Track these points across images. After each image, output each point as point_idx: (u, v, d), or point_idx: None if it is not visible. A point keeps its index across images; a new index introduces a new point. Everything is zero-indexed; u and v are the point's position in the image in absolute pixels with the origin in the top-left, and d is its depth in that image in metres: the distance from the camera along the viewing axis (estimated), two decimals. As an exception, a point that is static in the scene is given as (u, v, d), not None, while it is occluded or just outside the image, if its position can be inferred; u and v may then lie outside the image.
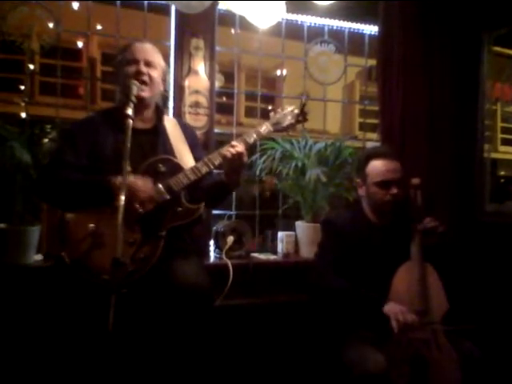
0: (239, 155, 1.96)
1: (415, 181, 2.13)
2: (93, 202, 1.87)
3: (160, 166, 1.96)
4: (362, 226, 2.22)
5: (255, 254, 2.94)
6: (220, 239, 2.80)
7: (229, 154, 1.95)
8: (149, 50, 2.09)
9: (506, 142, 6.38)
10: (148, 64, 2.05)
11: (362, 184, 2.25)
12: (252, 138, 2.06)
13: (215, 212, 3.00)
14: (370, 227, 2.22)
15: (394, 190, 2.14)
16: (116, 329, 1.44)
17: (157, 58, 2.11)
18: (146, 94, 2.02)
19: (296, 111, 2.14)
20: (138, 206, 1.84)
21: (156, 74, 2.07)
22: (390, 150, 2.33)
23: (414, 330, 1.88)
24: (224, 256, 2.70)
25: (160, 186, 1.92)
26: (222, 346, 2.40)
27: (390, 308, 1.93)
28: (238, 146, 1.97)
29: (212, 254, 2.86)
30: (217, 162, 1.99)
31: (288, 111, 2.14)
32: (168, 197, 1.92)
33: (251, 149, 2.96)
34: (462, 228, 2.99)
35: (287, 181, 3.04)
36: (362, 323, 1.97)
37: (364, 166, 2.23)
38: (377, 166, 2.19)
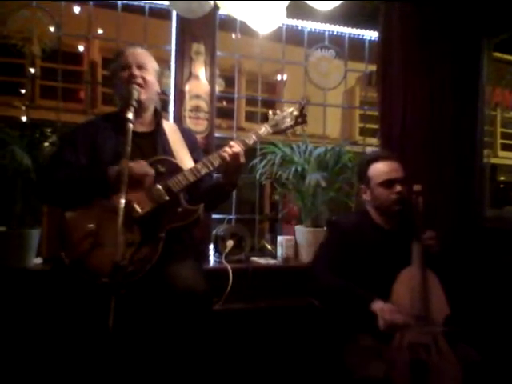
0: (236, 155, 1.97)
1: (417, 187, 2.13)
2: (90, 193, 1.88)
3: (159, 166, 1.97)
4: (369, 229, 2.22)
5: (255, 259, 2.94)
6: (220, 243, 2.80)
7: (226, 155, 1.97)
8: (140, 54, 2.14)
9: (505, 148, 6.40)
10: (140, 67, 2.09)
11: (365, 189, 2.26)
12: (251, 139, 2.06)
13: (215, 216, 3.00)
14: (378, 230, 2.23)
15: (399, 188, 2.16)
16: (115, 330, 1.43)
17: (149, 61, 2.15)
18: (142, 96, 2.04)
19: (295, 113, 2.14)
20: (136, 205, 1.85)
21: (149, 76, 2.11)
22: (388, 152, 2.35)
23: (402, 330, 1.86)
24: (223, 260, 2.70)
25: (159, 186, 1.92)
26: (222, 350, 2.39)
27: (378, 306, 1.91)
28: (236, 147, 1.99)
29: (212, 258, 2.85)
30: (216, 163, 1.99)
31: (287, 113, 2.14)
32: (167, 198, 1.92)
33: (251, 153, 2.98)
34: (462, 233, 2.99)
35: (287, 185, 3.04)
36: (362, 327, 1.96)
37: (365, 171, 2.26)
38: (378, 167, 2.22)
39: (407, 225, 2.14)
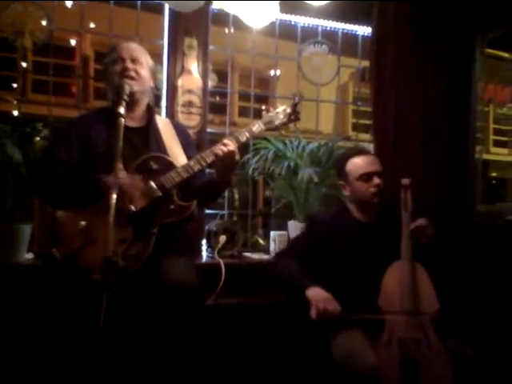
0: (231, 154, 1.97)
1: (405, 181, 2.15)
2: (83, 200, 1.87)
3: (152, 163, 1.97)
4: (347, 223, 2.26)
5: (248, 254, 2.94)
6: (212, 238, 2.80)
7: (220, 153, 1.96)
8: (134, 48, 2.14)
9: (497, 144, 6.43)
10: (134, 61, 2.09)
11: (345, 184, 2.31)
12: (244, 136, 2.06)
13: (208, 211, 3.00)
14: (356, 224, 2.26)
15: (377, 181, 2.21)
16: (107, 326, 1.43)
17: (143, 55, 2.15)
18: (134, 87, 2.04)
19: (288, 110, 2.15)
20: (129, 204, 1.85)
21: (143, 70, 2.11)
22: (365, 148, 2.40)
23: (333, 318, 1.87)
24: (216, 255, 2.70)
25: (152, 183, 1.92)
26: (214, 345, 2.40)
27: (314, 294, 1.93)
28: (230, 145, 1.98)
29: (204, 254, 2.85)
30: (209, 160, 1.99)
31: (280, 110, 2.15)
32: (160, 194, 1.92)
33: (244, 148, 2.98)
34: (454, 229, 2.99)
35: (280, 181, 3.04)
36: (354, 321, 1.97)
37: (343, 166, 2.30)
38: (355, 161, 2.26)
39: (393, 218, 2.15)
